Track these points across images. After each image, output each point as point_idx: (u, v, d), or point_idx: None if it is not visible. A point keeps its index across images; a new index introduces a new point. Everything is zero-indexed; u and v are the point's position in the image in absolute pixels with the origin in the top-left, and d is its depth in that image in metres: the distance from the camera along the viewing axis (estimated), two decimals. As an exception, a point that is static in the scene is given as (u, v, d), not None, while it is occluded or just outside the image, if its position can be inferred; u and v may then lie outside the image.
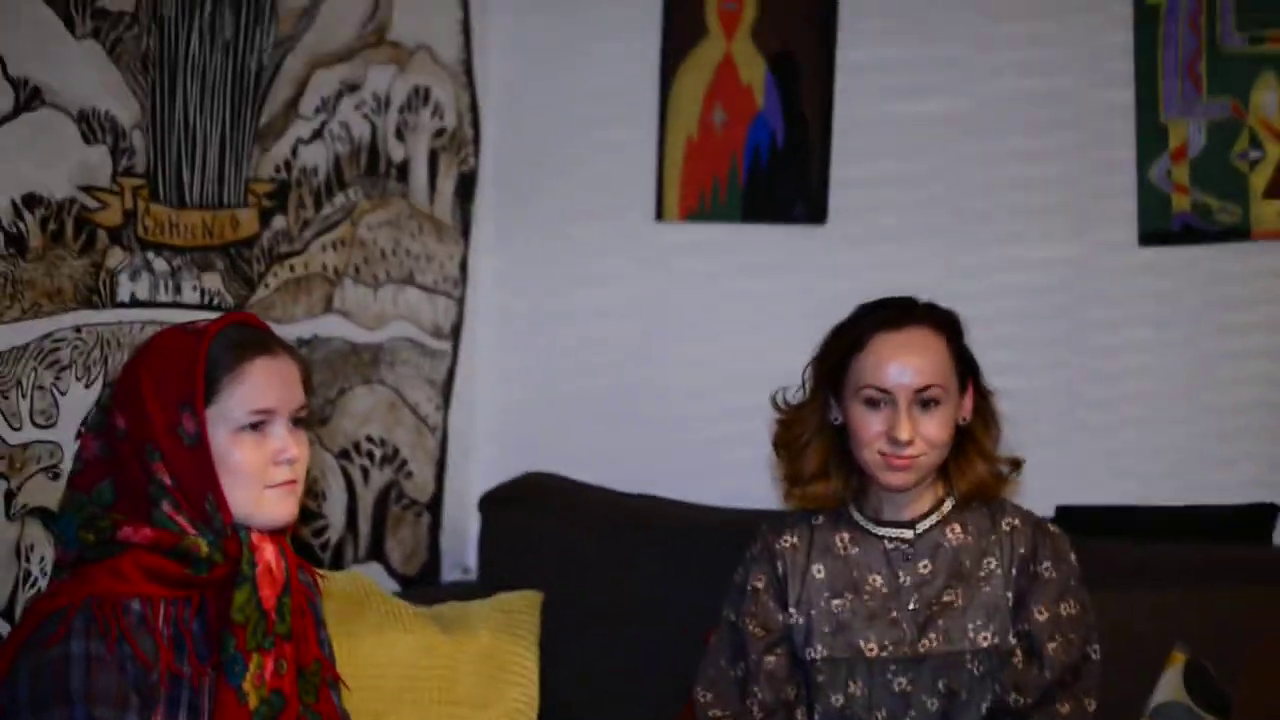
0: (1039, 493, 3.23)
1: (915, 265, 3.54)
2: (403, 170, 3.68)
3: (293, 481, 2.30)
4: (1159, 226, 3.43)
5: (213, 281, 3.19)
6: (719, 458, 3.73)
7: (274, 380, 2.29)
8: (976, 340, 2.85)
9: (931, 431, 2.70)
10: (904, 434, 2.66)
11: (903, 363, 2.70)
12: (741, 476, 3.61)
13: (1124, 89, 3.45)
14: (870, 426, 2.70)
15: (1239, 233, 3.37)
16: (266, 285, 3.33)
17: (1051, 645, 2.73)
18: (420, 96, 3.72)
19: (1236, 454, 3.42)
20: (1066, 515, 3.34)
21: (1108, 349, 3.51)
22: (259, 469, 2.26)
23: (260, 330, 2.35)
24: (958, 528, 2.77)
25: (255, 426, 2.27)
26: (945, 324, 2.77)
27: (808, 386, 2.83)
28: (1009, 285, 3.56)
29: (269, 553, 2.29)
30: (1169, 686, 2.93)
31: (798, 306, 3.64)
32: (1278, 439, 3.40)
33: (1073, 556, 2.79)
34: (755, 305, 3.74)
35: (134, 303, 3.02)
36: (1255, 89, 3.36)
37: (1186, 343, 3.46)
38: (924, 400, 2.69)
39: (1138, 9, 3.43)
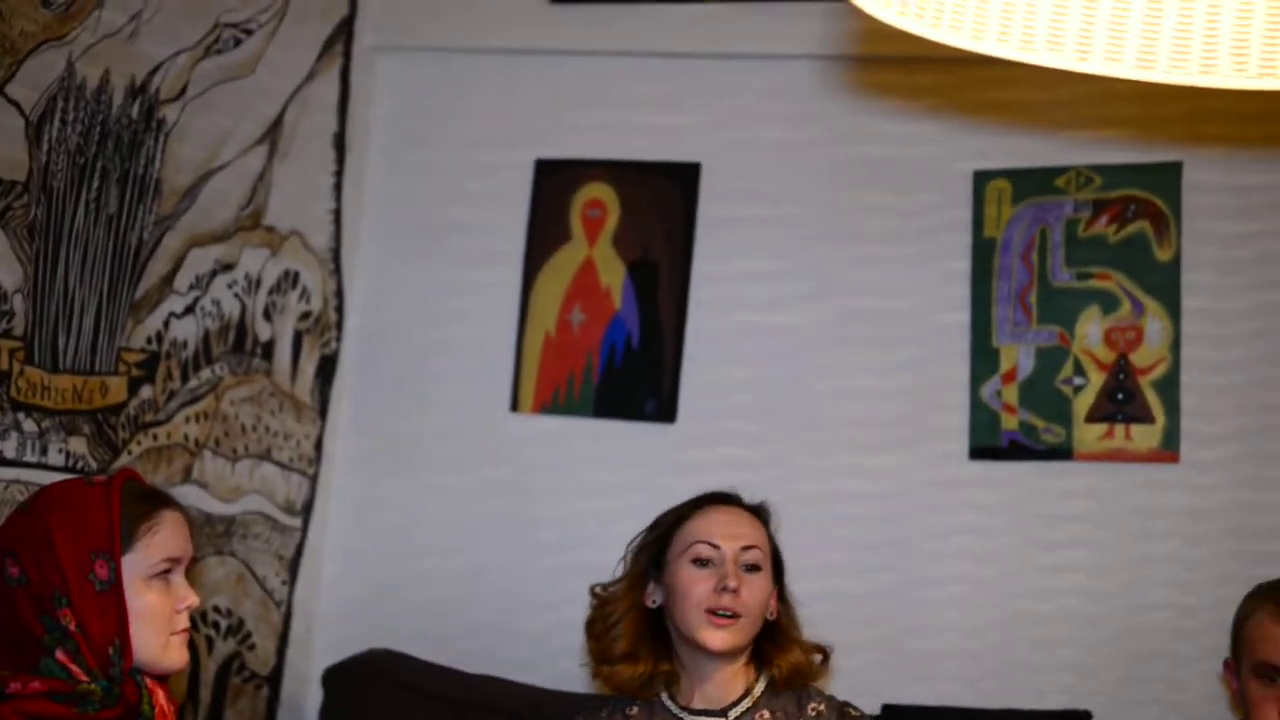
0: (866, 691, 3.33)
1: (758, 466, 3.66)
2: (268, 349, 3.76)
3: (187, 629, 2.37)
4: (988, 442, 3.61)
5: (79, 445, 3.23)
6: (560, 643, 3.79)
7: (179, 531, 2.37)
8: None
9: (754, 593, 2.80)
10: (733, 581, 2.77)
11: (733, 522, 2.86)
12: (580, 661, 3.68)
13: (960, 312, 3.65)
14: (699, 583, 2.79)
15: (1062, 453, 3.56)
16: (129, 452, 3.37)
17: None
18: (289, 280, 3.82)
19: (1053, 662, 3.56)
20: (891, 714, 3.46)
21: (935, 555, 3.65)
22: (167, 615, 2.33)
23: (152, 486, 2.43)
24: (767, 714, 2.83)
25: (162, 574, 2.33)
26: (762, 514, 2.93)
27: (627, 564, 2.93)
28: (845, 490, 3.70)
29: (161, 697, 2.34)
30: None
31: (643, 500, 3.72)
32: (1092, 650, 3.55)
33: None
34: (602, 497, 3.83)
35: (1, 461, 3.06)
36: (1080, 321, 3.58)
37: (1009, 553, 3.61)
38: (747, 564, 2.81)
39: (976, 241, 3.64)
